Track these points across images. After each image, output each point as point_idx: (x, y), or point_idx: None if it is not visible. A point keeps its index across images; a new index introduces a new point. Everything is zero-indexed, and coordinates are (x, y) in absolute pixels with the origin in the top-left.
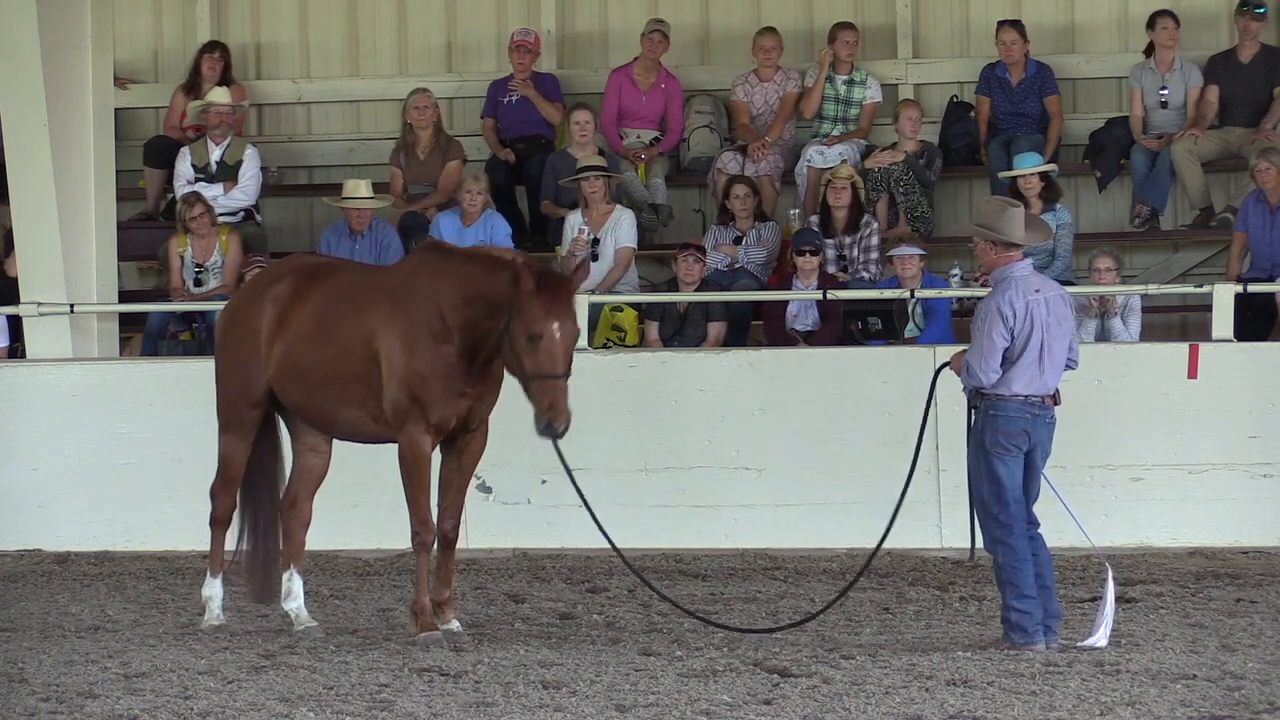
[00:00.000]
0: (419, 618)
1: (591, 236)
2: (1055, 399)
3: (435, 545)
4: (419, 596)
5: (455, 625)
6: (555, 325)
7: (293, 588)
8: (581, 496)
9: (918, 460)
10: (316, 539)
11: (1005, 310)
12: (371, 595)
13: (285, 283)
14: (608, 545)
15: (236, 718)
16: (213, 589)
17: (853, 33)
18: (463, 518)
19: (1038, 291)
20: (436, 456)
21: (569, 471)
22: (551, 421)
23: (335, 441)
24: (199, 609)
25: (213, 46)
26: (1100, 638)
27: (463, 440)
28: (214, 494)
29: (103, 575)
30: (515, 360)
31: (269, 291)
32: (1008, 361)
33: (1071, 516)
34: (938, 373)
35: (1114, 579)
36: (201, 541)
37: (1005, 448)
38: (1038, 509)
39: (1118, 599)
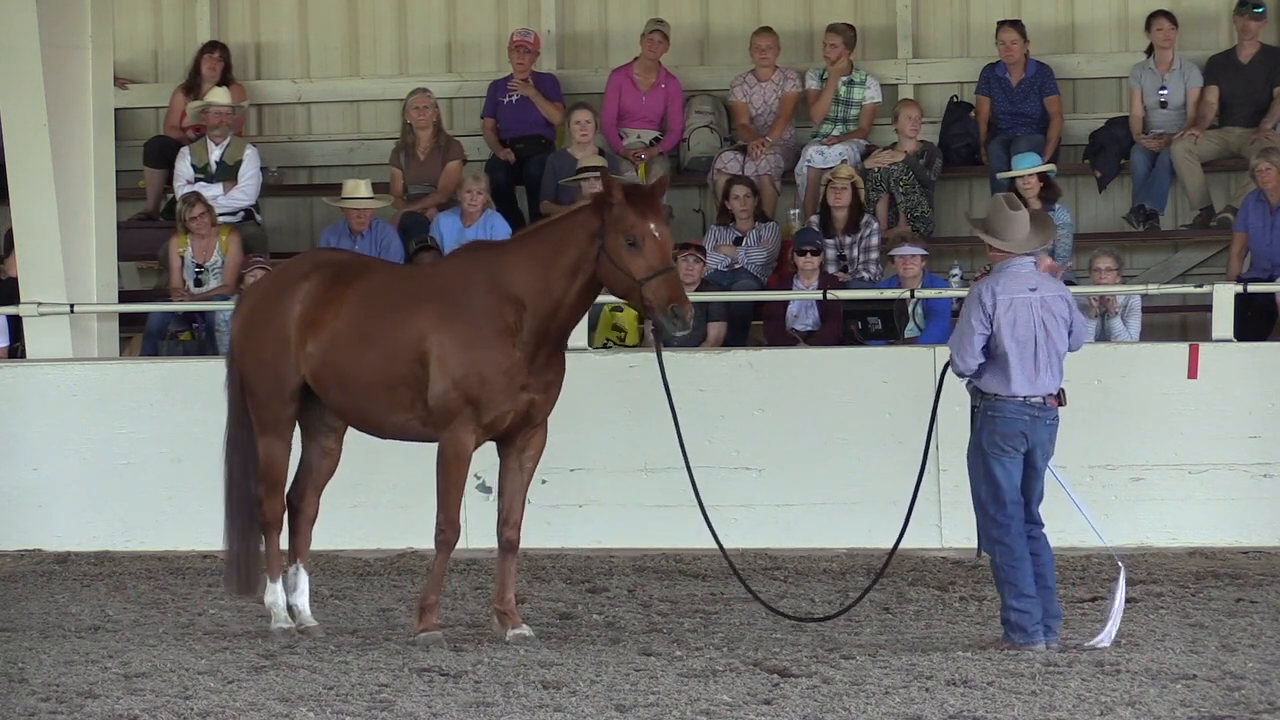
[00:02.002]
0: (424, 616)
1: None
2: (1059, 399)
3: (456, 545)
4: (429, 593)
5: (526, 630)
6: (653, 225)
7: (299, 583)
8: (696, 493)
9: (926, 461)
10: (316, 539)
11: (985, 298)
12: (371, 595)
13: (312, 280)
14: (608, 545)
15: (236, 718)
16: (274, 595)
17: (837, 36)
18: (464, 515)
19: (1033, 290)
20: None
21: (687, 461)
22: (677, 311)
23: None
24: (264, 615)
25: (213, 47)
26: (1105, 637)
27: (523, 438)
28: (260, 500)
29: (103, 575)
30: (619, 274)
31: (293, 290)
32: (1000, 358)
33: (1085, 517)
34: (944, 371)
35: (1126, 580)
36: (201, 541)
37: (1002, 449)
38: (1043, 509)
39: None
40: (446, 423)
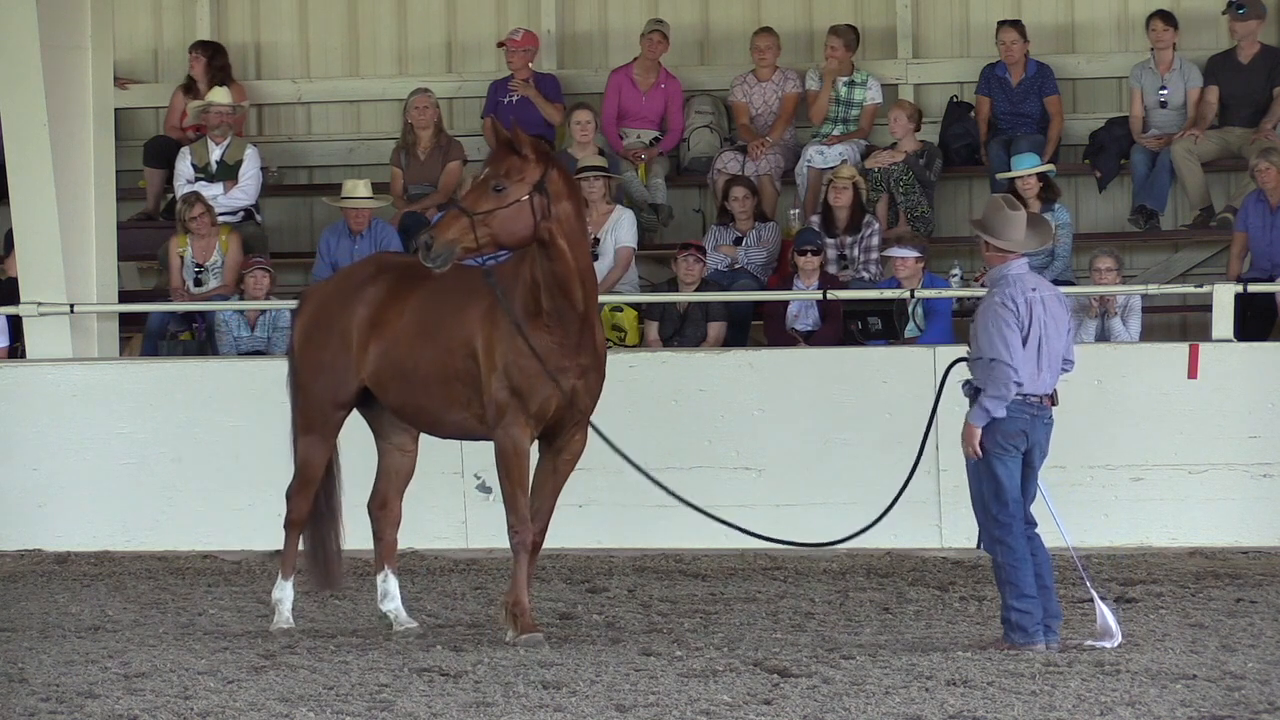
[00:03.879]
0: (520, 619)
1: (592, 236)
2: (1053, 399)
3: (531, 543)
4: (518, 596)
5: (538, 636)
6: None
7: (389, 589)
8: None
9: (922, 454)
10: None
11: (1009, 304)
12: (371, 595)
13: (378, 283)
14: (608, 545)
15: (236, 718)
16: (283, 591)
17: (838, 39)
18: (463, 515)
19: (1034, 290)
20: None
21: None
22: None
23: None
24: (269, 610)
25: (200, 46)
26: (1109, 642)
27: (563, 439)
28: (290, 496)
29: (103, 575)
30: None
31: (360, 292)
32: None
33: (1054, 518)
34: (949, 369)
35: (1090, 584)
36: (201, 541)
37: (1004, 448)
38: (1036, 510)
39: (1117, 599)
40: (499, 420)
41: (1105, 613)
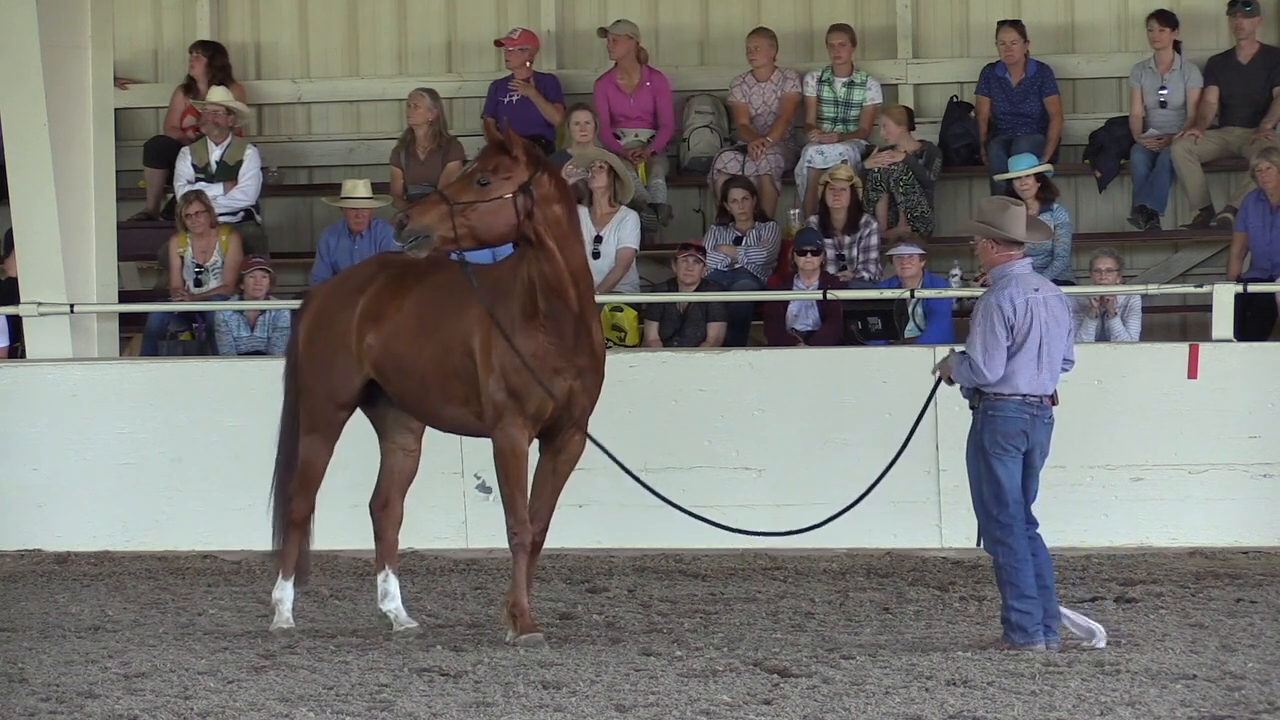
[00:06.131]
0: (519, 619)
1: (594, 235)
2: (1053, 399)
3: (530, 544)
4: (517, 597)
5: (538, 636)
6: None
7: (389, 589)
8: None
9: (907, 445)
10: (317, 539)
11: (1005, 307)
12: (371, 595)
13: (377, 281)
14: (608, 545)
15: (236, 718)
16: (283, 591)
17: (843, 35)
18: (463, 515)
19: (1037, 290)
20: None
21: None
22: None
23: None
24: (268, 611)
25: (198, 46)
26: (1099, 640)
27: (561, 439)
28: (292, 496)
29: (103, 575)
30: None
31: (358, 293)
32: (1008, 358)
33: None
34: (936, 384)
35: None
36: (201, 541)
37: (1004, 448)
38: (1038, 509)
39: (1117, 599)
40: (497, 420)
41: (1073, 619)
